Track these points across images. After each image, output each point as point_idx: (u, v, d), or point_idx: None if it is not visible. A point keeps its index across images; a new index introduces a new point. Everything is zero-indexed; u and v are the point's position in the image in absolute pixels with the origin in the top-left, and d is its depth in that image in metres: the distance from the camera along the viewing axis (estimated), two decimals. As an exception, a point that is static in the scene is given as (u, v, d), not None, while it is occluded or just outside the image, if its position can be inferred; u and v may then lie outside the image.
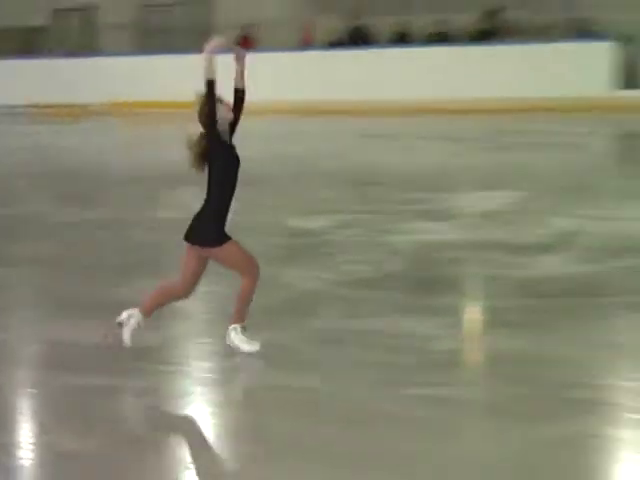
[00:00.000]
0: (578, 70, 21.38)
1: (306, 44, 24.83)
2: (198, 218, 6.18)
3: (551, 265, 8.56)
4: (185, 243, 6.21)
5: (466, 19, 23.67)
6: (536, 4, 23.73)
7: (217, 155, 6.11)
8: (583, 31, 22.84)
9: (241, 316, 6.27)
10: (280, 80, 23.29)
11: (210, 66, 5.98)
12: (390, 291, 7.98)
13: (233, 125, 6.22)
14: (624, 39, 22.00)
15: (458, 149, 17.23)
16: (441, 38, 23.66)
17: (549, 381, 5.76)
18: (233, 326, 6.28)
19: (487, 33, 23.62)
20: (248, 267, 6.20)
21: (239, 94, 6.28)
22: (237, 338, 6.26)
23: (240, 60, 6.30)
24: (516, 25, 23.68)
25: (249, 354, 6.24)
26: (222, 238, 6.13)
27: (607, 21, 22.31)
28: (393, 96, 22.54)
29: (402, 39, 24.34)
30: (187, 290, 6.35)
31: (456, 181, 13.83)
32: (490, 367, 6.25)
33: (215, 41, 6.10)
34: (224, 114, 6.12)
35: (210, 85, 5.99)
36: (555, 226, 10.15)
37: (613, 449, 4.98)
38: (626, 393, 5.66)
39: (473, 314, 7.73)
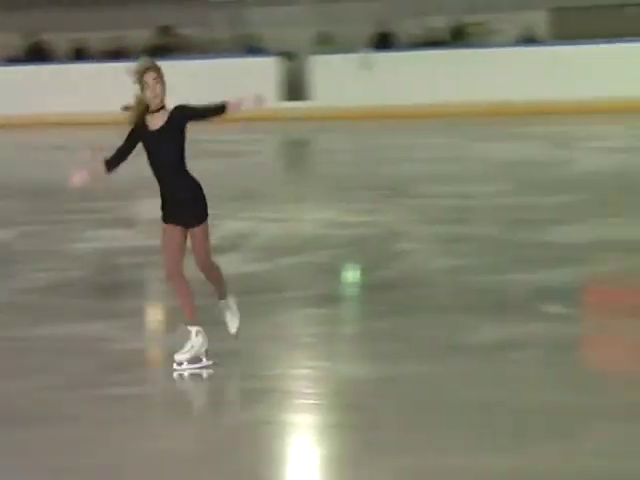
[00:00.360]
0: (246, 84, 21.70)
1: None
2: None
3: (227, 266, 8.65)
4: None
5: (141, 35, 23.55)
6: (206, 21, 23.98)
7: (144, 143, 6.20)
8: (250, 47, 23.34)
9: (186, 316, 5.85)
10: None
11: (96, 175, 6.26)
12: (75, 297, 7.85)
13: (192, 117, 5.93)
14: (287, 55, 22.66)
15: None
16: (117, 54, 23.41)
17: (225, 374, 5.84)
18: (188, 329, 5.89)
19: (162, 48, 23.59)
20: (163, 260, 5.88)
21: (219, 109, 5.85)
22: (193, 344, 5.83)
23: (256, 104, 5.96)
24: (189, 41, 23.85)
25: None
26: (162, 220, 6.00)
27: (271, 38, 22.92)
28: (54, 110, 21.91)
29: (79, 55, 23.93)
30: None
31: (133, 189, 13.72)
32: (169, 365, 6.24)
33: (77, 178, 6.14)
34: (151, 95, 5.90)
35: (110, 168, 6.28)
36: (230, 229, 10.30)
37: (285, 433, 5.10)
38: (294, 381, 5.82)
39: (154, 315, 7.72)
